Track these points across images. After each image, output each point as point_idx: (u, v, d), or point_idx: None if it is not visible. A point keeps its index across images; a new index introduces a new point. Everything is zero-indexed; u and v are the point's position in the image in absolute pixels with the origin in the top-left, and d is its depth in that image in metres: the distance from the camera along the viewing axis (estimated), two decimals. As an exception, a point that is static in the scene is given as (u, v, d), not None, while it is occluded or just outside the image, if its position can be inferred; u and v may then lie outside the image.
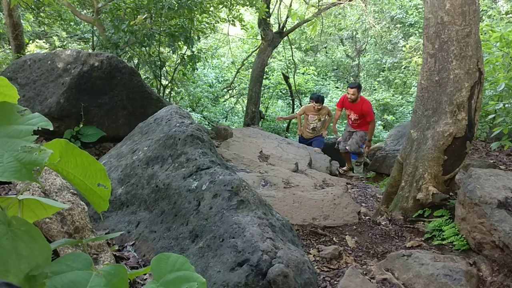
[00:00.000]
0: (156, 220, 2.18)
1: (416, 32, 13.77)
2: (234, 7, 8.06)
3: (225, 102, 15.14)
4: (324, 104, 7.42)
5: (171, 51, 6.93)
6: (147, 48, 6.09)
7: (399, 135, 6.99)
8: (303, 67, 15.72)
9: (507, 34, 4.45)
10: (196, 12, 6.34)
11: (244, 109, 11.97)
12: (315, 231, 3.03)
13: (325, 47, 18.63)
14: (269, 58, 10.66)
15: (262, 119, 10.14)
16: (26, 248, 0.59)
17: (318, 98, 7.18)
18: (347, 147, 6.21)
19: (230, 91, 15.02)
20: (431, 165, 3.10)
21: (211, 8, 7.31)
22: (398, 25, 14.83)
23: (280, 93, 13.87)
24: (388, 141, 7.16)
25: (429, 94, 3.14)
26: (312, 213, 3.21)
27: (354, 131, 6.33)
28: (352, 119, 6.18)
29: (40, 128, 0.65)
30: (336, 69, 18.26)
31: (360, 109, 5.98)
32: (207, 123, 11.55)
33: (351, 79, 17.40)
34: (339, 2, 9.60)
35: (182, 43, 6.33)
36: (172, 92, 8.00)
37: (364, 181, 6.28)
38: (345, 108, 6.28)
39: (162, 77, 6.70)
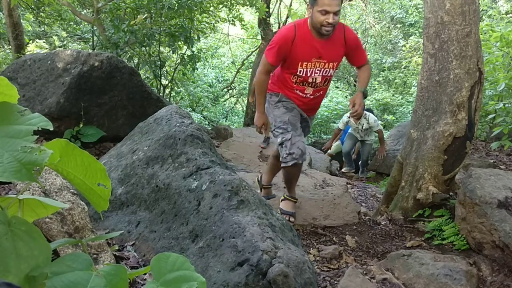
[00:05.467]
0: (156, 220, 2.18)
1: (416, 32, 13.77)
2: (234, 7, 8.07)
3: (225, 102, 15.15)
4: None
5: (171, 51, 6.93)
6: (147, 48, 6.10)
7: (399, 135, 6.98)
8: (303, 67, 15.69)
9: (507, 34, 4.45)
10: (196, 12, 6.35)
11: (244, 109, 11.97)
12: (315, 231, 3.03)
13: (325, 47, 18.59)
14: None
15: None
16: (26, 248, 0.59)
17: None
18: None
19: (230, 91, 15.02)
20: (431, 165, 3.10)
21: (211, 8, 7.32)
22: (398, 25, 14.82)
23: (280, 93, 13.87)
24: (388, 141, 7.16)
25: (429, 94, 3.14)
26: (312, 213, 3.21)
27: (306, 118, 2.98)
28: (316, 82, 2.73)
29: (40, 128, 0.65)
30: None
31: (341, 50, 2.71)
32: (207, 123, 11.55)
33: (351, 78, 17.39)
34: (339, 2, 9.58)
35: (182, 43, 6.33)
36: (172, 92, 8.00)
37: (364, 181, 6.28)
38: (294, 58, 2.63)
39: (162, 77, 6.71)
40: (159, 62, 6.36)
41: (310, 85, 2.75)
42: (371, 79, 16.13)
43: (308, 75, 2.68)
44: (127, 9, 5.94)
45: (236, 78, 13.64)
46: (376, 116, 7.12)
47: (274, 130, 2.81)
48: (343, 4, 10.56)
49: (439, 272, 2.24)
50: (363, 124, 6.48)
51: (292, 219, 2.98)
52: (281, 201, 3.15)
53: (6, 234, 0.58)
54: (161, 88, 6.60)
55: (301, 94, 2.80)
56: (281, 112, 2.78)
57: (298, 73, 2.68)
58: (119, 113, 3.95)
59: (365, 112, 6.28)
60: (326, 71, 2.71)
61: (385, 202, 3.50)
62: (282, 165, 2.75)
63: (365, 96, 2.82)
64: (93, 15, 6.60)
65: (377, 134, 6.51)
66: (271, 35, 9.44)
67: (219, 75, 14.27)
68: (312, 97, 2.82)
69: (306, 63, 2.63)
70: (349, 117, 6.60)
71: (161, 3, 5.63)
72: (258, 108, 2.81)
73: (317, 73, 2.68)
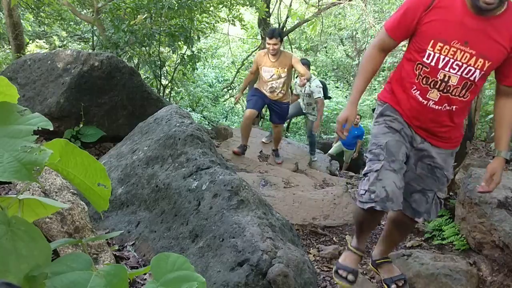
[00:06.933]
0: (156, 220, 2.18)
1: (416, 32, 13.71)
2: (234, 7, 8.06)
3: (225, 102, 15.13)
4: (291, 53, 4.67)
5: (171, 51, 6.93)
6: (147, 48, 6.09)
7: (399, 135, 6.96)
8: (303, 67, 15.70)
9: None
10: (196, 12, 6.35)
11: (244, 109, 11.96)
12: (315, 231, 3.03)
13: (325, 47, 18.63)
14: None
15: (261, 119, 10.12)
16: (26, 248, 0.59)
17: (273, 32, 4.36)
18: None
19: (230, 91, 15.00)
20: (431, 165, 3.10)
21: (211, 8, 7.32)
22: (398, 25, 14.79)
23: (280, 93, 13.87)
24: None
25: (429, 94, 3.14)
26: (312, 213, 3.21)
27: (424, 149, 1.89)
28: (448, 83, 1.71)
29: (40, 128, 0.65)
30: (336, 69, 18.26)
31: (504, 45, 1.63)
32: (207, 123, 11.53)
33: (351, 78, 17.37)
34: (339, 2, 9.60)
35: (182, 43, 6.33)
36: (172, 92, 8.00)
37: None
38: (425, 32, 1.69)
39: (162, 77, 6.71)
40: (159, 62, 6.36)
41: (437, 86, 1.74)
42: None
43: (440, 66, 1.69)
44: (127, 9, 5.93)
45: (236, 78, 13.64)
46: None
47: (366, 154, 1.97)
48: (342, 4, 10.53)
49: (439, 272, 2.24)
50: (305, 88, 5.54)
51: (350, 277, 1.99)
52: (343, 251, 2.37)
53: (6, 234, 0.58)
54: (161, 88, 6.60)
55: (420, 99, 1.79)
56: (380, 131, 1.89)
57: (424, 58, 1.71)
58: (119, 113, 3.95)
59: (312, 76, 5.61)
60: (470, 70, 1.67)
61: (385, 202, 3.49)
62: (357, 203, 1.85)
63: (507, 162, 1.81)
64: (93, 15, 6.60)
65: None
66: (271, 35, 9.41)
67: (219, 75, 14.26)
68: (437, 108, 1.77)
69: (442, 45, 1.66)
70: (296, 78, 5.90)
71: (161, 3, 5.63)
72: (350, 97, 1.91)
73: (454, 68, 1.67)
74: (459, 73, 1.68)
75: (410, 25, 1.71)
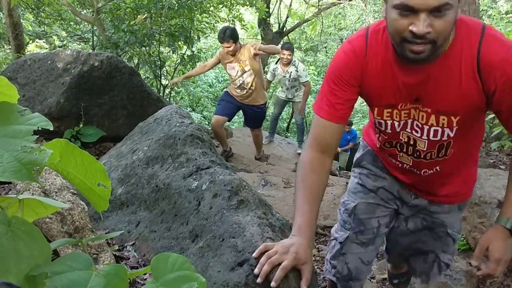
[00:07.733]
0: (156, 220, 2.18)
1: (416, 32, 13.71)
2: (234, 7, 8.07)
3: (225, 102, 15.13)
4: (248, 43, 4.23)
5: (171, 51, 6.93)
6: (147, 48, 6.09)
7: (399, 135, 6.96)
8: (303, 67, 15.74)
9: (507, 34, 4.44)
10: (196, 12, 6.35)
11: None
12: (315, 231, 3.03)
13: (325, 47, 18.63)
14: (269, 58, 10.67)
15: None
16: (26, 248, 0.59)
17: (223, 36, 3.99)
18: None
19: (230, 91, 15.02)
20: (431, 165, 3.09)
21: (211, 8, 7.32)
22: (398, 25, 14.80)
23: (280, 93, 13.87)
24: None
25: (429, 94, 3.13)
26: (312, 213, 3.21)
27: (418, 206, 1.51)
28: (416, 147, 1.30)
29: (40, 128, 0.65)
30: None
31: (468, 91, 1.11)
32: (207, 123, 11.54)
33: (351, 79, 17.35)
34: (339, 2, 9.61)
35: (182, 43, 6.34)
36: (172, 92, 8.00)
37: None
38: (367, 98, 1.30)
39: (162, 77, 6.71)
40: (159, 62, 6.36)
41: (404, 149, 1.36)
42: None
43: (398, 129, 1.32)
44: (127, 9, 5.93)
45: (236, 78, 13.66)
46: None
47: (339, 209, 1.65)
48: (342, 4, 10.50)
49: (439, 272, 2.24)
50: (291, 72, 5.32)
51: None
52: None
53: (6, 234, 0.58)
54: (161, 88, 6.60)
55: (393, 161, 1.45)
56: (352, 187, 1.59)
57: (377, 125, 1.37)
58: (119, 113, 3.96)
59: (294, 59, 5.42)
60: (437, 131, 1.24)
61: (385, 202, 3.48)
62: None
63: None
64: (93, 15, 6.61)
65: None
66: (270, 35, 9.43)
67: (219, 75, 14.26)
68: (416, 171, 1.40)
69: (390, 110, 1.28)
70: (277, 64, 5.58)
71: (161, 3, 5.63)
72: (294, 223, 1.31)
73: (416, 130, 1.28)
74: (424, 137, 1.27)
75: (352, 97, 1.29)
